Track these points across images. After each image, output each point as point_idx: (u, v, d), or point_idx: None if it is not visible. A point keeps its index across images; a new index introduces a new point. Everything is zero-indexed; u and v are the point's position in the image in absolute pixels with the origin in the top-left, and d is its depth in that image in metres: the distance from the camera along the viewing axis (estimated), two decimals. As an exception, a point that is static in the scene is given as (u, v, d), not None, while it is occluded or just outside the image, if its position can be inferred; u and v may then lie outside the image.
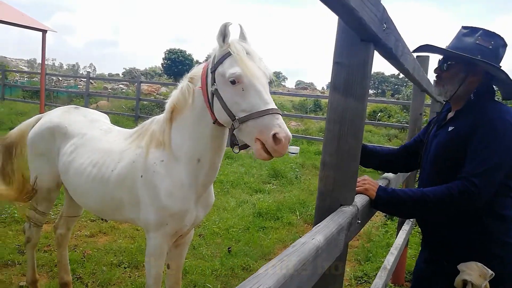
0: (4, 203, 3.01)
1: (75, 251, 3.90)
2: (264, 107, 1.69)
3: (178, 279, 2.58)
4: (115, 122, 3.30)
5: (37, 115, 2.95)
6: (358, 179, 1.55)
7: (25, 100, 17.29)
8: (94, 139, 2.48)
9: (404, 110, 15.81)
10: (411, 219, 3.78)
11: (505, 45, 1.68)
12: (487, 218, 1.65)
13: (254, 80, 1.74)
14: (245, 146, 1.84)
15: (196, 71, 2.05)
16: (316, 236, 0.94)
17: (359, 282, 3.80)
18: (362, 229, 5.21)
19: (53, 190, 2.80)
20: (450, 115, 1.84)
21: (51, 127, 2.66)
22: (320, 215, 1.26)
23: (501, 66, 1.69)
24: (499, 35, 1.67)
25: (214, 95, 1.86)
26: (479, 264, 1.59)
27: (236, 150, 1.83)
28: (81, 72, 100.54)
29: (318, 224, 1.06)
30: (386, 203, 1.57)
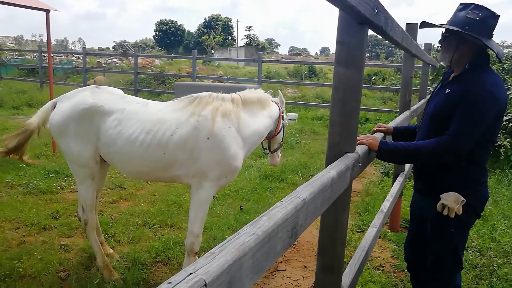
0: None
1: (102, 215, 4.31)
2: None
3: None
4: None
5: (51, 101, 3.07)
6: (364, 136, 2.02)
7: (22, 78, 17.36)
8: (136, 112, 2.80)
9: (399, 73, 16.05)
10: (405, 173, 4.21)
11: (493, 15, 2.01)
12: (467, 165, 2.10)
13: None
14: (276, 150, 3.41)
15: (267, 99, 3.12)
16: (330, 171, 1.32)
17: (359, 230, 4.26)
18: (361, 186, 5.66)
19: (92, 166, 2.91)
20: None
21: (87, 108, 2.82)
22: (330, 162, 1.64)
23: (493, 34, 2.04)
24: (487, 8, 2.00)
25: (284, 127, 3.39)
26: (456, 193, 2.06)
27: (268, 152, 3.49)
28: (70, 47, 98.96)
29: (330, 164, 1.45)
30: (387, 153, 2.03)
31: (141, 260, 3.39)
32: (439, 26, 2.11)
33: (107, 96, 2.94)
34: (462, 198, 2.04)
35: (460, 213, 2.05)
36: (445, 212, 2.06)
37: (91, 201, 3.04)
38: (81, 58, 17.28)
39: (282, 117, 3.24)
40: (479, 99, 1.94)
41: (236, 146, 2.71)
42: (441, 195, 2.10)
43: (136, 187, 5.34)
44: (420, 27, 2.31)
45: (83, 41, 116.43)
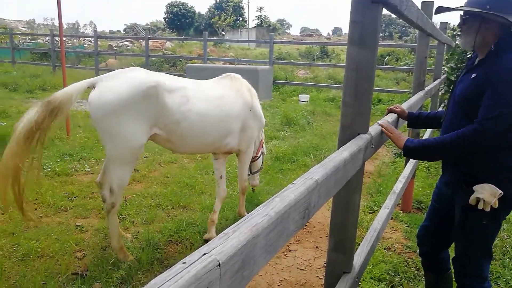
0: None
1: (117, 197, 4.37)
2: None
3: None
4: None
5: (87, 80, 2.90)
6: (392, 129, 1.97)
7: (35, 62, 17.48)
8: (197, 89, 3.14)
9: (412, 53, 15.75)
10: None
11: None
12: (500, 151, 1.93)
13: None
14: (256, 172, 4.23)
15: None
16: (343, 152, 1.32)
17: (371, 211, 4.27)
18: (373, 167, 5.63)
19: (142, 147, 2.90)
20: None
21: (154, 86, 2.79)
22: (342, 143, 1.63)
23: None
24: None
25: (264, 155, 4.35)
26: (491, 185, 1.90)
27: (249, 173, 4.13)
28: (81, 31, 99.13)
29: (343, 146, 1.44)
30: (412, 151, 1.98)
31: (154, 240, 3.44)
32: (456, 9, 1.98)
33: (161, 76, 3.03)
34: (500, 191, 1.88)
35: (497, 206, 1.91)
36: (480, 206, 1.91)
37: (126, 183, 3.01)
38: (93, 41, 17.34)
39: (263, 146, 4.18)
40: (506, 79, 1.79)
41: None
42: (474, 187, 1.95)
43: (149, 169, 5.40)
44: (435, 13, 2.19)
45: (94, 24, 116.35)
